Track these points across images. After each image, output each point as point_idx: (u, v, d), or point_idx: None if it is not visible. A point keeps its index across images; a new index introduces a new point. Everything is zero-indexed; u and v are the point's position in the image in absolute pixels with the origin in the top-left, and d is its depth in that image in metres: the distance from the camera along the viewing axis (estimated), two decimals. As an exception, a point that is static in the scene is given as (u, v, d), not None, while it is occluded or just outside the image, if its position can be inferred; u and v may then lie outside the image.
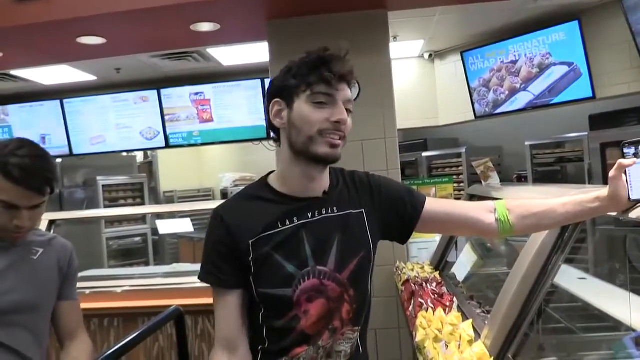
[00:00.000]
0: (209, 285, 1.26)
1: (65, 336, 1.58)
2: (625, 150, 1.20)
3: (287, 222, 1.22)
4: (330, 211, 1.26)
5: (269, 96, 1.27)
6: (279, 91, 1.24)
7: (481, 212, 1.34)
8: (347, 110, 1.22)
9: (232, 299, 1.24)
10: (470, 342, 1.58)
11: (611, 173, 1.19)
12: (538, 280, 1.56)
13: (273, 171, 1.32)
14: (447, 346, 1.60)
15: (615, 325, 1.89)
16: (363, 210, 1.30)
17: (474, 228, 1.38)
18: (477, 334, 1.69)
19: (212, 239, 1.26)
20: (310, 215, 1.24)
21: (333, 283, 1.22)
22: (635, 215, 1.27)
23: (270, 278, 1.20)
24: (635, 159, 1.19)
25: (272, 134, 1.33)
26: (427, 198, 1.37)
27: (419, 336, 1.75)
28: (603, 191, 1.23)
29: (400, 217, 1.34)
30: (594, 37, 4.43)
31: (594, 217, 1.26)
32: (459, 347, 1.58)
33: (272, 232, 1.21)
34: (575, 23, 4.40)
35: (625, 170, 1.18)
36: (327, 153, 1.19)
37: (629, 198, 1.19)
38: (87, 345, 1.57)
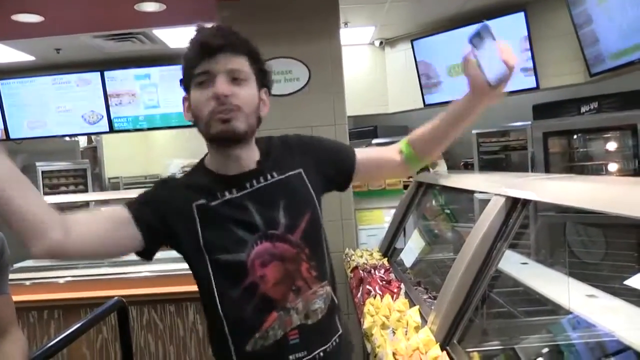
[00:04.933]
0: (128, 212, 1.20)
1: None
2: (471, 40, 1.25)
3: (227, 194, 1.22)
4: (269, 177, 1.26)
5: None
6: (182, 85, 1.24)
7: (391, 152, 1.44)
8: (237, 80, 1.18)
9: (119, 214, 1.19)
10: (417, 329, 1.59)
11: (465, 71, 1.27)
12: (483, 266, 1.59)
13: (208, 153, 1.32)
14: (394, 333, 1.61)
15: (555, 308, 1.95)
16: (301, 170, 1.31)
17: (388, 167, 1.47)
18: (424, 320, 1.71)
19: (152, 190, 1.27)
20: (248, 186, 1.24)
21: (286, 244, 1.22)
22: (573, 203, 1.30)
23: (222, 243, 1.19)
24: (475, 52, 1.25)
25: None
26: (355, 150, 1.44)
27: (367, 323, 1.75)
28: (466, 95, 1.32)
29: (338, 169, 1.39)
30: (538, 28, 4.55)
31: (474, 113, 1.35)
32: (406, 334, 1.59)
33: (216, 202, 1.21)
34: (522, 14, 4.51)
35: (477, 62, 1.25)
36: (221, 130, 1.17)
37: (489, 83, 1.25)
38: (20, 342, 1.48)
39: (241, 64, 1.19)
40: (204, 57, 1.16)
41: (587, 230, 3.24)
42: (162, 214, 1.21)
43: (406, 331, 1.61)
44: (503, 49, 1.21)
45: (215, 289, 1.20)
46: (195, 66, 1.17)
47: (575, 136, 4.32)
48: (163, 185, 1.27)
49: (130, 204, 1.22)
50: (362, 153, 1.43)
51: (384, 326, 1.66)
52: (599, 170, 4.16)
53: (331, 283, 1.31)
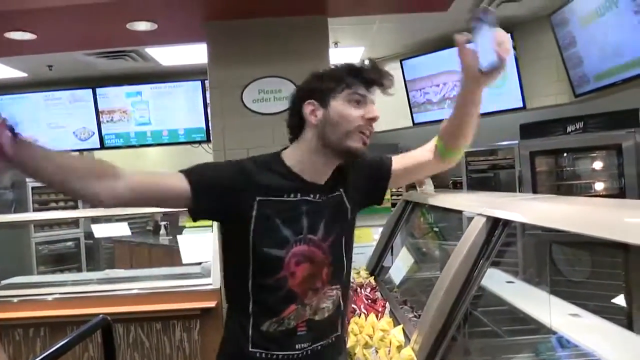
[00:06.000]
0: (185, 178, 1.30)
1: None
2: (475, 26, 1.26)
3: (292, 195, 1.36)
4: (326, 195, 1.41)
5: (300, 98, 1.38)
6: (312, 93, 1.36)
7: (425, 153, 1.57)
8: None
9: (174, 184, 1.29)
10: (400, 348, 1.60)
11: (460, 55, 1.34)
12: (465, 285, 1.61)
13: (286, 147, 1.44)
14: (377, 352, 1.62)
15: (538, 327, 1.97)
16: (341, 191, 1.45)
17: (426, 168, 1.60)
18: (408, 339, 1.72)
19: (223, 168, 1.38)
20: (311, 197, 1.38)
21: (318, 250, 1.38)
22: (553, 224, 1.33)
23: (268, 238, 1.32)
24: (469, 38, 1.28)
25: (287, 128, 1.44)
26: (392, 159, 1.57)
27: (350, 342, 1.76)
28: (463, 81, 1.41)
29: (377, 184, 1.55)
30: (525, 50, 4.64)
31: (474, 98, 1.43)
32: (389, 353, 1.60)
33: (278, 199, 1.34)
34: (508, 36, 4.58)
35: (477, 42, 1.28)
36: (359, 148, 1.34)
37: (480, 70, 1.28)
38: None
39: (375, 97, 1.38)
40: (363, 82, 1.34)
41: (572, 249, 3.27)
42: (224, 202, 1.32)
43: (389, 350, 1.62)
44: (499, 39, 1.25)
45: (250, 273, 1.34)
46: (353, 85, 1.33)
47: (561, 155, 4.38)
48: (236, 171, 1.35)
49: (197, 182, 1.30)
50: (398, 162, 1.58)
51: (367, 345, 1.67)
52: (587, 189, 4.21)
53: (343, 289, 1.45)
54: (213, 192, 1.31)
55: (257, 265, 1.34)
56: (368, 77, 1.35)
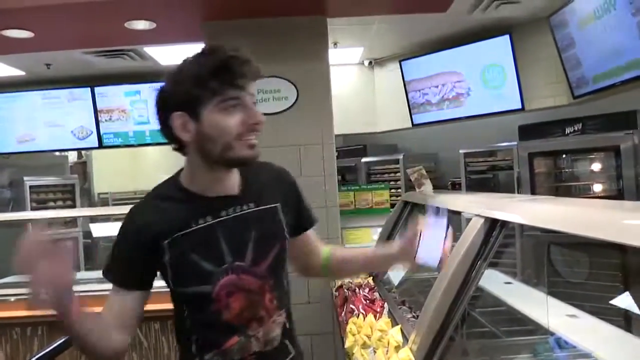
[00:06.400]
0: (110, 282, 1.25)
1: None
2: (428, 218, 1.36)
3: (200, 221, 1.22)
4: (246, 207, 1.27)
5: (165, 109, 1.20)
6: (179, 103, 1.17)
7: (319, 253, 1.50)
8: (254, 104, 1.22)
9: (125, 299, 1.23)
10: (397, 348, 1.60)
11: (408, 233, 1.38)
12: (463, 286, 1.60)
13: (183, 168, 1.29)
14: (375, 352, 1.61)
15: (536, 328, 1.97)
16: (278, 204, 1.34)
17: (310, 258, 1.50)
18: (406, 339, 1.72)
19: (121, 238, 1.26)
20: (224, 214, 1.24)
21: (250, 277, 1.25)
22: (550, 225, 1.33)
23: (188, 277, 1.21)
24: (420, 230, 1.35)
25: (172, 144, 1.27)
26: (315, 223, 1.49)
27: (348, 342, 1.76)
28: (394, 251, 1.44)
29: (297, 222, 1.42)
30: (523, 51, 4.64)
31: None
32: (387, 353, 1.60)
33: (187, 231, 1.21)
34: (507, 37, 4.60)
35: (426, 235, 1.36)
36: (249, 155, 1.19)
37: (415, 259, 1.37)
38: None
39: (255, 88, 1.22)
40: (239, 86, 1.16)
41: (570, 250, 3.27)
42: (143, 259, 1.22)
43: (387, 350, 1.61)
44: (446, 249, 1.34)
45: (185, 311, 1.27)
46: (222, 91, 1.15)
47: (560, 157, 4.38)
48: (132, 225, 1.25)
49: (114, 276, 1.25)
50: (312, 234, 1.49)
51: (365, 345, 1.66)
52: (585, 190, 4.22)
53: (288, 309, 1.35)
54: (128, 266, 1.24)
55: (187, 304, 1.26)
56: (237, 75, 1.16)
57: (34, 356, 1.59)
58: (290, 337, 1.36)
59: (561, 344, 1.77)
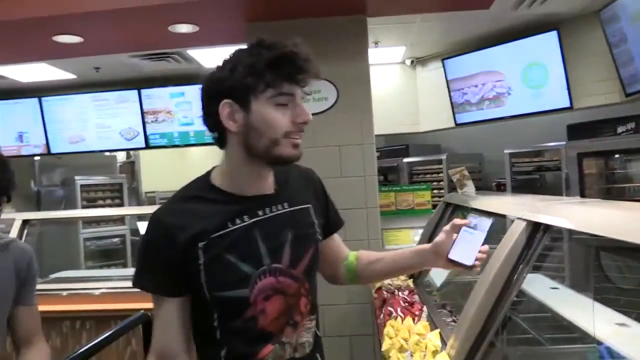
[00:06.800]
0: (144, 292, 1.19)
1: (21, 343, 1.54)
2: (470, 217, 1.27)
3: (238, 221, 1.17)
4: (280, 207, 1.24)
5: (213, 96, 1.15)
6: (229, 91, 1.13)
7: (343, 259, 1.46)
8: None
9: (170, 306, 1.17)
10: (435, 353, 1.57)
11: (445, 227, 1.31)
12: (504, 290, 1.56)
13: (214, 167, 1.26)
14: (412, 356, 1.59)
15: (582, 336, 1.90)
16: (310, 205, 1.32)
17: (332, 263, 1.45)
18: (445, 344, 1.68)
19: (150, 244, 1.19)
20: (261, 213, 1.20)
21: (289, 279, 1.21)
22: (594, 230, 1.27)
23: (225, 280, 1.15)
24: (468, 223, 1.28)
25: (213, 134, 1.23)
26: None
27: (385, 345, 1.74)
28: (427, 246, 1.36)
29: (326, 224, 1.38)
30: (572, 47, 4.48)
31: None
32: (424, 358, 1.57)
33: (222, 232, 1.16)
34: (554, 33, 4.45)
35: (458, 231, 1.29)
36: (293, 154, 1.16)
37: (448, 258, 1.28)
38: (43, 352, 1.54)
39: (310, 87, 1.19)
40: (295, 81, 1.13)
41: (623, 256, 3.13)
42: (175, 265, 1.15)
43: (424, 355, 1.59)
44: (486, 249, 1.27)
45: (215, 319, 1.19)
46: (275, 84, 1.12)
47: (612, 157, 4.21)
48: (159, 228, 1.18)
49: (148, 283, 1.20)
50: (337, 237, 1.47)
51: (401, 349, 1.64)
52: (639, 193, 4.04)
53: (317, 316, 1.32)
54: (163, 272, 1.16)
55: (220, 310, 1.18)
56: (296, 71, 1.12)
57: (78, 350, 1.64)
58: (321, 349, 1.33)
59: (613, 353, 1.69)
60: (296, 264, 1.22)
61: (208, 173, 1.26)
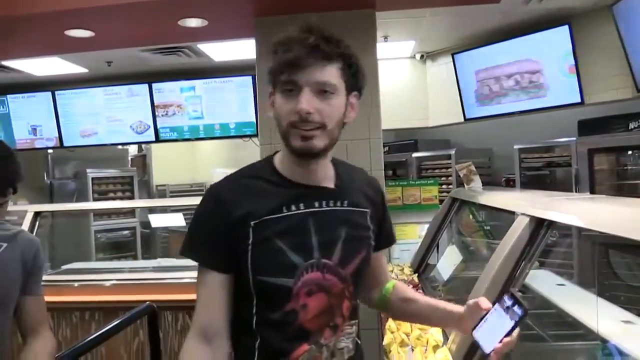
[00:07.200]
0: (193, 261, 1.17)
1: (27, 332, 1.57)
2: (505, 297, 1.15)
3: (293, 208, 1.14)
4: (339, 204, 1.20)
5: (269, 81, 1.17)
6: (269, 79, 1.15)
7: (382, 283, 1.41)
8: (324, 92, 1.10)
9: (217, 281, 1.14)
10: (436, 348, 1.58)
11: (478, 302, 1.19)
12: (505, 286, 1.57)
13: (277, 152, 1.24)
14: (412, 350, 1.60)
15: (586, 333, 1.89)
16: (369, 210, 1.27)
17: (370, 283, 1.39)
18: (447, 339, 1.69)
19: (204, 215, 1.17)
20: (317, 205, 1.17)
21: (335, 278, 1.16)
22: (602, 227, 1.27)
23: (271, 265, 1.12)
24: (495, 308, 1.16)
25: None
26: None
27: (386, 339, 1.75)
28: (459, 310, 1.26)
29: (377, 236, 1.31)
30: (583, 42, 4.43)
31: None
32: (425, 352, 1.58)
33: (276, 216, 1.13)
34: (566, 27, 4.40)
35: (491, 317, 1.16)
36: (300, 146, 1.10)
37: (472, 330, 1.19)
38: (49, 342, 1.56)
39: (330, 74, 1.11)
40: (291, 66, 1.09)
41: (630, 254, 3.11)
42: (227, 240, 1.13)
43: (425, 349, 1.60)
44: (511, 340, 1.11)
45: (254, 307, 1.15)
46: (281, 72, 1.10)
47: (623, 153, 4.16)
48: (216, 201, 1.16)
49: (198, 255, 1.17)
50: (382, 256, 1.42)
51: (402, 343, 1.65)
52: (650, 189, 4.00)
53: (359, 322, 1.26)
54: (214, 244, 1.14)
55: (261, 298, 1.14)
56: (292, 58, 1.08)
57: (83, 340, 1.67)
58: (361, 358, 1.28)
59: (611, 350, 1.69)
60: (345, 263, 1.17)
61: (271, 156, 1.25)
